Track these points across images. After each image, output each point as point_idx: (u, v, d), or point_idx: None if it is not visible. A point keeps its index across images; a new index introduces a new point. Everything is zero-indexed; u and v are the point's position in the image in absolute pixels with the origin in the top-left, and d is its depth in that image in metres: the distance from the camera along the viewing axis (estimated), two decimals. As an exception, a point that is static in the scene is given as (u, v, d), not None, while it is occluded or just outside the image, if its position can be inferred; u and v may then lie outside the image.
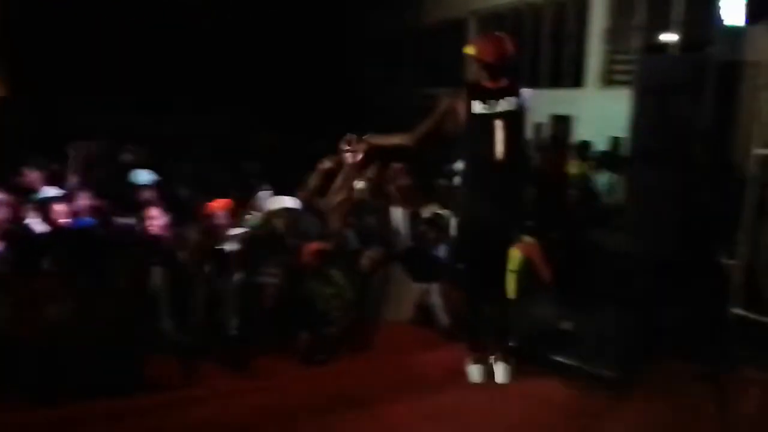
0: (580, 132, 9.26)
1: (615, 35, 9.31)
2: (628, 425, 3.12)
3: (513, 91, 3.23)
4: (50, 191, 4.99)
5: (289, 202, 4.54)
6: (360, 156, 3.83)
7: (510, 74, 3.26)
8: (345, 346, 3.89)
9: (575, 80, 10.09)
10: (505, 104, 3.19)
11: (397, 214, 4.62)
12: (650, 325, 3.59)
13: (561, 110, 10.06)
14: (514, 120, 3.22)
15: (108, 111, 10.29)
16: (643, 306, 3.79)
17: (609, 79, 9.48)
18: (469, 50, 3.29)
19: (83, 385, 3.12)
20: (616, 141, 8.44)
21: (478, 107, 3.17)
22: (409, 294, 4.30)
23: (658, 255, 4.03)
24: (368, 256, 4.22)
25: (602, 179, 7.23)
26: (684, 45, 7.10)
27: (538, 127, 10.45)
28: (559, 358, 3.54)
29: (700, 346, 3.72)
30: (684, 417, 3.18)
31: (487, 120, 3.17)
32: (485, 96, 3.19)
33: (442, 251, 4.58)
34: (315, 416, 3.08)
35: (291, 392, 3.40)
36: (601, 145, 8.42)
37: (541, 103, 10.56)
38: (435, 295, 4.27)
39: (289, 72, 13.59)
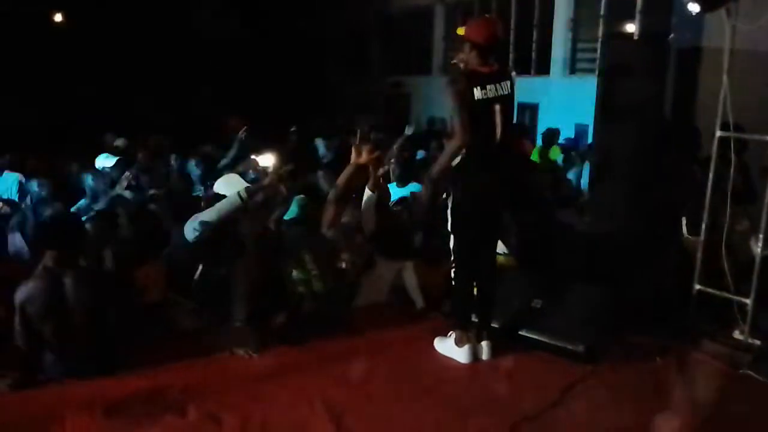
0: (547, 119, 9.45)
1: (579, 24, 9.48)
2: (597, 398, 3.24)
3: (506, 75, 3.36)
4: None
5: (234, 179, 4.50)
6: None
7: (498, 57, 3.38)
8: (321, 327, 3.92)
9: (540, 68, 10.26)
10: (500, 89, 3.29)
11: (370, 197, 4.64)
12: (617, 301, 3.72)
13: (528, 98, 10.24)
14: (509, 104, 3.37)
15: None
16: (609, 283, 3.93)
17: (573, 68, 9.67)
18: (461, 31, 3.38)
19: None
20: (581, 128, 8.67)
21: (478, 93, 3.24)
22: (382, 276, 4.35)
23: (621, 234, 4.17)
24: (350, 261, 4.21)
25: (569, 164, 7.41)
26: (645, 33, 7.27)
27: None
28: (531, 335, 3.66)
29: (664, 321, 3.88)
30: (648, 389, 3.33)
31: (486, 105, 3.26)
32: (483, 82, 3.26)
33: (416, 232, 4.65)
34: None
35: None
36: (567, 131, 8.62)
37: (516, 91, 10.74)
38: (408, 274, 4.34)
39: (255, 61, 13.45)
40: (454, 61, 3.45)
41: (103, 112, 10.69)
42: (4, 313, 3.31)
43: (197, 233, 3.80)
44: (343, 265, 4.12)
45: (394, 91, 14.56)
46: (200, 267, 3.90)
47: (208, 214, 3.85)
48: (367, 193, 4.27)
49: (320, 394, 3.16)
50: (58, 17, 13.26)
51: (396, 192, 5.36)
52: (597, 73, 7.29)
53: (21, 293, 3.13)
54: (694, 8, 4.01)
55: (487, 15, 3.51)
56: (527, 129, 9.52)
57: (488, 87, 3.26)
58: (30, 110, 10.80)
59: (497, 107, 3.30)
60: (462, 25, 3.43)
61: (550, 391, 3.23)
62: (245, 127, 7.13)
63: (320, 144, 8.19)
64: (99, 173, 5.61)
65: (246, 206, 3.89)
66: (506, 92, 3.34)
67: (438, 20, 13.20)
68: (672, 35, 5.07)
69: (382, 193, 4.42)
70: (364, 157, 4.22)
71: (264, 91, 12.83)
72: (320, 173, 5.65)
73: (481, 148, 3.31)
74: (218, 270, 3.88)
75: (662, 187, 4.32)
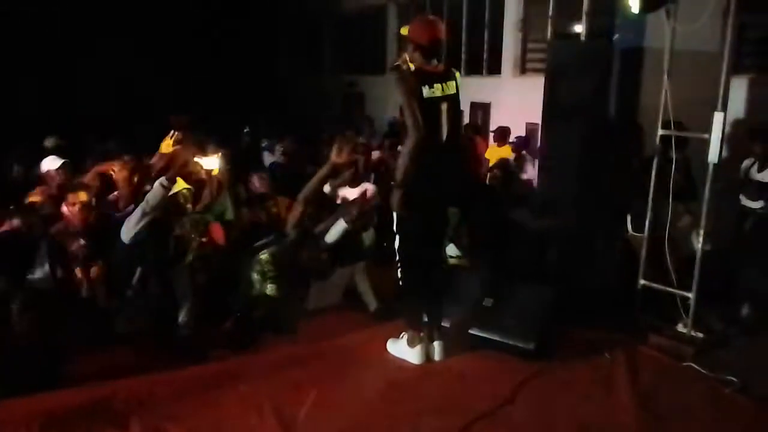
0: (499, 117, 9.55)
1: (529, 24, 9.61)
2: (548, 395, 3.28)
3: (451, 75, 3.39)
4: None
5: None
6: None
7: (441, 57, 3.39)
8: (271, 332, 3.86)
9: (492, 68, 10.36)
10: (447, 88, 3.31)
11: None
12: (565, 297, 3.77)
13: (480, 97, 10.33)
14: (455, 103, 3.39)
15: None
16: (557, 280, 3.99)
17: (523, 67, 9.79)
18: (404, 31, 3.40)
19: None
20: (532, 127, 8.79)
21: (426, 91, 3.24)
22: (335, 278, 4.30)
23: (568, 231, 4.24)
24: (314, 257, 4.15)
25: (520, 162, 7.50)
26: (590, 33, 7.43)
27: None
28: (482, 334, 3.68)
29: (611, 316, 3.96)
30: (599, 384, 3.39)
31: (434, 103, 3.26)
32: (430, 80, 3.27)
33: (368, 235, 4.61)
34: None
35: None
36: (518, 130, 8.72)
37: (461, 90, 10.86)
38: (360, 277, 4.31)
39: (206, 57, 13.14)
40: (398, 63, 3.43)
41: (43, 111, 10.26)
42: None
43: (133, 235, 3.67)
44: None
45: (348, 90, 14.48)
46: (138, 270, 3.77)
47: (138, 211, 3.72)
48: (341, 225, 4.19)
49: (270, 400, 3.10)
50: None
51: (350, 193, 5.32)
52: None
53: None
54: (634, 9, 4.09)
55: (430, 16, 3.53)
56: (479, 128, 9.60)
57: (435, 86, 3.28)
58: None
59: (444, 106, 3.31)
60: (406, 26, 3.44)
61: (502, 390, 3.26)
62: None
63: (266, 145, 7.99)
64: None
65: (168, 193, 3.76)
66: (452, 92, 3.35)
67: (391, 19, 13.17)
68: (616, 36, 5.18)
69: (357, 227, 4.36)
70: (344, 158, 4.17)
71: (215, 89, 12.56)
72: (255, 176, 5.54)
73: (426, 147, 3.29)
74: (158, 273, 3.76)
75: (606, 184, 4.40)
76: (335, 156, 4.18)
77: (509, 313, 3.67)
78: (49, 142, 7.12)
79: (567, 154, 4.39)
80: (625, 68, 4.84)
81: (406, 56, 3.37)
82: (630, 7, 4.06)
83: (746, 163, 4.87)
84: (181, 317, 3.77)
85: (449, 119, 3.33)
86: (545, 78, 4.70)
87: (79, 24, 11.87)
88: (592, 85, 4.45)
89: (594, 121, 4.40)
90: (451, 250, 4.08)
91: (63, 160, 5.80)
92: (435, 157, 3.33)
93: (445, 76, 3.34)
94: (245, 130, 8.27)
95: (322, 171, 4.19)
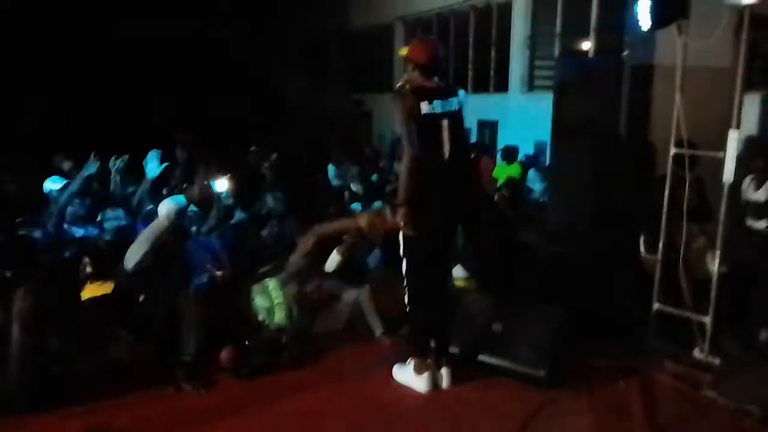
0: (506, 135, 9.47)
1: (536, 42, 9.58)
2: (560, 426, 3.15)
3: (453, 92, 3.35)
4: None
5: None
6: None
7: (441, 75, 3.39)
8: (275, 359, 3.75)
9: (499, 86, 10.32)
10: (448, 105, 3.26)
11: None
12: (577, 322, 3.65)
13: (487, 115, 10.27)
14: (458, 120, 3.33)
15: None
16: (568, 304, 3.86)
17: (531, 84, 9.74)
18: (403, 52, 3.40)
19: None
20: (540, 144, 8.69)
21: (425, 107, 3.20)
22: (340, 304, 4.21)
23: (579, 253, 4.12)
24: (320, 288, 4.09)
25: (530, 181, 7.40)
26: (599, 50, 7.38)
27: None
28: (492, 361, 3.56)
29: (624, 341, 3.83)
30: (612, 413, 3.25)
31: (434, 120, 3.22)
32: (430, 96, 3.23)
33: (372, 258, 4.53)
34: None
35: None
36: (526, 148, 8.64)
37: (468, 108, 10.83)
38: (365, 300, 4.20)
39: (214, 76, 13.20)
40: (399, 84, 3.42)
41: (49, 130, 10.29)
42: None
43: (137, 262, 3.61)
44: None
45: (356, 109, 14.49)
46: (141, 297, 3.69)
47: (139, 243, 3.67)
48: (335, 257, 4.15)
49: (273, 429, 3.00)
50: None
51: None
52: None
53: None
54: (645, 26, 4.01)
55: (429, 36, 3.58)
56: (487, 147, 9.53)
57: (435, 102, 3.22)
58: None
59: (445, 123, 3.24)
60: (405, 47, 3.43)
61: (513, 420, 3.13)
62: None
63: (331, 169, 7.98)
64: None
65: (171, 228, 3.71)
66: (454, 108, 3.29)
67: (398, 38, 13.20)
68: (626, 52, 5.11)
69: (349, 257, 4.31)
70: (366, 225, 4.14)
71: (222, 107, 12.59)
72: (269, 195, 5.47)
73: (430, 166, 3.22)
74: (161, 300, 3.68)
75: (618, 204, 4.29)
76: (365, 225, 4.14)
77: (519, 339, 3.54)
78: (62, 164, 7.09)
79: (576, 173, 4.30)
80: (635, 85, 4.76)
81: (406, 76, 3.37)
82: (640, 24, 3.98)
83: (745, 181, 4.74)
84: (185, 344, 3.67)
85: (451, 136, 3.26)
86: (554, 95, 4.62)
87: (84, 43, 11.96)
88: (602, 102, 4.38)
89: (604, 139, 4.31)
90: (458, 272, 3.97)
91: (66, 181, 5.77)
92: (439, 175, 3.26)
93: (447, 93, 3.31)
94: (252, 149, 8.23)
95: (348, 225, 4.17)
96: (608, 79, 4.47)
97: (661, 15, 3.75)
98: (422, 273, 3.36)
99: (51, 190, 5.76)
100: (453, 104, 3.29)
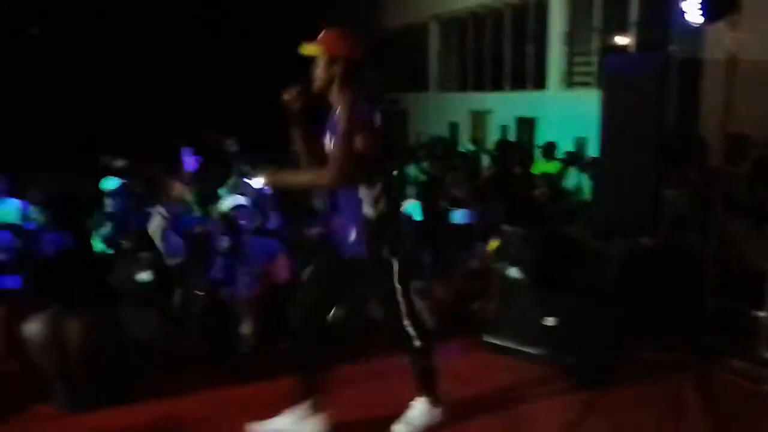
0: (545, 133, 9.44)
1: (574, 37, 9.52)
2: (614, 422, 3.16)
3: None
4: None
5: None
6: None
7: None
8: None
9: (538, 82, 10.27)
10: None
11: None
12: (630, 317, 3.65)
13: (525, 112, 10.25)
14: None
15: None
16: (617, 299, 3.87)
17: (570, 81, 9.68)
18: (314, 50, 2.72)
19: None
20: (580, 141, 8.64)
21: (377, 117, 2.68)
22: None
23: (629, 247, 4.12)
24: None
25: (570, 178, 7.37)
26: (642, 45, 7.31)
27: (503, 129, 10.64)
28: (544, 354, 3.59)
29: (678, 337, 3.81)
30: (670, 410, 3.25)
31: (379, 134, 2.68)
32: (372, 98, 2.72)
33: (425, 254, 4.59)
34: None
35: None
36: (566, 145, 8.59)
37: (505, 106, 10.83)
38: (416, 296, 4.26)
39: (250, 79, 13.41)
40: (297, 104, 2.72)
41: (98, 132, 10.65)
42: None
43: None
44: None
45: (390, 108, 14.58)
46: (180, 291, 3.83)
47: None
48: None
49: (334, 419, 3.08)
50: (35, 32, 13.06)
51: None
52: (597, 85, 7.30)
53: (23, 331, 3.15)
54: (696, 20, 3.99)
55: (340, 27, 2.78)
56: (521, 145, 9.52)
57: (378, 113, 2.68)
58: (26, 132, 10.72)
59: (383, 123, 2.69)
60: (313, 40, 2.75)
61: (567, 415, 3.16)
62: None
63: None
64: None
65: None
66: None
67: (433, 36, 13.25)
68: (672, 47, 5.08)
69: None
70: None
71: (261, 109, 12.79)
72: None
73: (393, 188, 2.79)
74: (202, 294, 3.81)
75: (667, 199, 4.28)
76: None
77: (571, 333, 3.57)
78: (112, 163, 7.32)
79: (625, 169, 4.30)
80: (683, 79, 4.73)
81: (323, 76, 2.71)
82: (689, 19, 3.96)
83: None
84: (242, 336, 3.79)
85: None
86: (601, 92, 4.62)
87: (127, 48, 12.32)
88: (650, 97, 4.36)
89: (653, 134, 4.29)
90: (514, 273, 4.01)
91: (121, 181, 5.97)
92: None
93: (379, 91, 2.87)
94: (293, 148, 8.34)
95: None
96: (656, 74, 4.44)
97: (713, 10, 3.73)
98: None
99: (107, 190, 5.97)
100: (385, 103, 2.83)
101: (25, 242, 4.48)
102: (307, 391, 2.88)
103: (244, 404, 3.25)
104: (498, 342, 3.78)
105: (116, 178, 6.05)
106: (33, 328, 3.18)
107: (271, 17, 14.05)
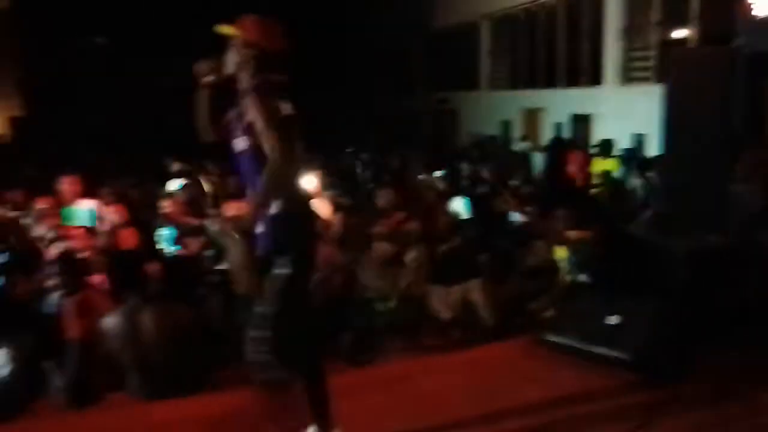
0: (601, 130, 9.27)
1: (632, 32, 9.32)
2: (686, 420, 3.11)
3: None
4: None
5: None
6: None
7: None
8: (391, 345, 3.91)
9: (593, 78, 10.10)
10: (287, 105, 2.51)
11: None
12: (700, 317, 3.58)
13: (580, 109, 10.09)
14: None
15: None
16: (684, 298, 3.79)
17: (627, 76, 9.48)
18: (230, 31, 2.52)
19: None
20: (638, 138, 8.46)
21: (285, 107, 2.49)
22: (450, 294, 4.32)
23: (697, 246, 4.03)
24: None
25: (628, 176, 7.24)
26: (705, 38, 7.10)
27: (558, 126, 10.50)
28: (609, 353, 3.55)
29: (751, 336, 3.70)
30: (734, 409, 3.18)
31: (294, 121, 2.51)
32: (283, 93, 2.53)
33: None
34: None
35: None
36: (623, 142, 8.43)
37: (559, 103, 10.68)
38: (476, 293, 4.30)
39: (302, 80, 13.62)
40: (209, 78, 2.59)
41: (158, 136, 11.06)
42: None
43: None
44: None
45: (441, 107, 14.58)
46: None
47: None
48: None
49: (397, 410, 3.14)
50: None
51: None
52: (656, 81, 7.15)
53: (102, 325, 3.34)
54: (762, 12, 3.88)
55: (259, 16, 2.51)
56: (575, 142, 9.37)
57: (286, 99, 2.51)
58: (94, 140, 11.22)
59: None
60: (230, 23, 2.53)
61: (638, 414, 3.12)
62: None
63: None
64: None
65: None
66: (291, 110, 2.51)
67: (484, 35, 13.18)
68: (737, 40, 4.94)
69: None
70: None
71: (313, 110, 13.01)
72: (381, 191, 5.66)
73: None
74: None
75: (737, 196, 4.16)
76: None
77: (639, 332, 3.52)
78: (172, 166, 7.61)
79: (691, 166, 4.19)
80: (751, 74, 4.58)
81: (230, 65, 2.53)
82: (757, 10, 3.85)
83: None
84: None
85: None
86: (664, 87, 4.51)
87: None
88: (716, 92, 4.23)
89: (720, 129, 4.18)
90: (578, 272, 3.99)
91: (184, 182, 6.22)
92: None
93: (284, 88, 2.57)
94: (348, 150, 8.50)
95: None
96: (722, 69, 4.31)
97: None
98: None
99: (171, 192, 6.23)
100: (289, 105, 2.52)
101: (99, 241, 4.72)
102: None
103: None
104: (560, 340, 3.75)
105: (181, 180, 6.31)
106: (110, 319, 3.36)
107: (327, 17, 14.25)
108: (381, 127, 13.32)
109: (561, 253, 3.50)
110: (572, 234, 4.08)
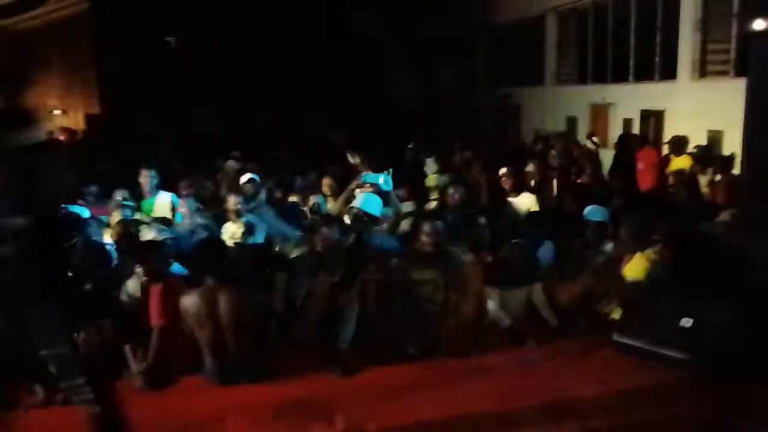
0: (673, 127, 8.91)
1: (709, 23, 8.90)
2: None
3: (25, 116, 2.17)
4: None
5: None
6: None
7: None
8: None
9: (666, 72, 9.71)
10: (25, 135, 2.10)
11: None
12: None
13: (652, 104, 9.72)
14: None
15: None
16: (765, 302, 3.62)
17: (703, 70, 9.07)
18: None
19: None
20: (714, 135, 8.09)
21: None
22: (513, 297, 4.25)
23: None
24: None
25: (703, 174, 6.93)
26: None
27: (627, 122, 10.16)
28: (680, 356, 3.45)
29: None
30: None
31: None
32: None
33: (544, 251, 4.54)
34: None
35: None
36: (698, 139, 8.08)
37: (629, 98, 10.33)
38: (538, 295, 4.24)
39: (361, 76, 13.71)
40: None
41: (222, 131, 11.43)
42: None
43: None
44: None
45: (504, 103, 14.36)
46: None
47: None
48: None
49: (461, 406, 3.16)
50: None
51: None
52: (734, 75, 6.80)
53: (181, 302, 3.47)
54: None
55: None
56: (646, 139, 9.05)
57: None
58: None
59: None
60: None
61: (710, 414, 3.03)
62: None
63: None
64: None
65: None
66: (36, 141, 2.15)
67: (550, 29, 12.89)
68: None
69: None
70: None
71: (373, 106, 13.10)
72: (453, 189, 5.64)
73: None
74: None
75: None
76: None
77: (712, 335, 3.40)
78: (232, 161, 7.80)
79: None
80: None
81: None
82: None
83: None
84: (343, 333, 3.79)
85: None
86: (748, 81, 4.31)
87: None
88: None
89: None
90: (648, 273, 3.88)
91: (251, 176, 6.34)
92: None
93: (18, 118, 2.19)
94: (409, 146, 8.50)
95: None
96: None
97: None
98: None
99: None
100: (34, 135, 2.18)
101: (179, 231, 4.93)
102: None
103: (378, 388, 3.41)
104: (630, 342, 3.66)
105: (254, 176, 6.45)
106: (188, 300, 3.48)
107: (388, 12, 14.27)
108: (444, 121, 13.22)
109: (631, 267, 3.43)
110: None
